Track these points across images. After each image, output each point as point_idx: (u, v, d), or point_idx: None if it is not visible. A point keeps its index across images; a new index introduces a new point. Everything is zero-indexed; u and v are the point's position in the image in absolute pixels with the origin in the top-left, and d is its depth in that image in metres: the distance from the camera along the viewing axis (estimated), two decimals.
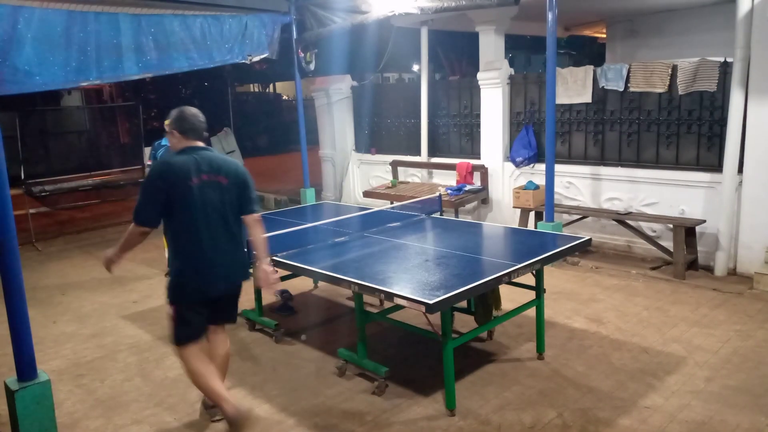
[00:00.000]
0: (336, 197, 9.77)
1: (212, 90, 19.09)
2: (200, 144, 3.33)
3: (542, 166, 6.31)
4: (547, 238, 4.54)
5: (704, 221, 5.87)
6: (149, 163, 6.43)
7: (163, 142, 6.14)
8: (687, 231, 5.77)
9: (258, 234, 3.33)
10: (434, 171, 8.39)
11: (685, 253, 5.77)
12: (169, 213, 3.17)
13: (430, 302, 2.99)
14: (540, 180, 6.51)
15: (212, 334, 3.46)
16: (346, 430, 3.43)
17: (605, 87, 6.53)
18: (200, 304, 3.28)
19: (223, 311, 3.44)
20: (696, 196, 6.02)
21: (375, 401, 3.72)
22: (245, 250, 3.44)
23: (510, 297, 4.52)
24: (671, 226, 5.84)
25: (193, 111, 3.35)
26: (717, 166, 5.83)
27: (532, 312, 4.18)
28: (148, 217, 3.16)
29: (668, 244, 6.00)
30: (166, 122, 6.09)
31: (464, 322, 4.55)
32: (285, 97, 24.03)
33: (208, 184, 3.20)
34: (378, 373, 3.83)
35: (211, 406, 3.55)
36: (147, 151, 10.42)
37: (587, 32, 11.81)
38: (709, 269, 5.89)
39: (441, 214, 5.39)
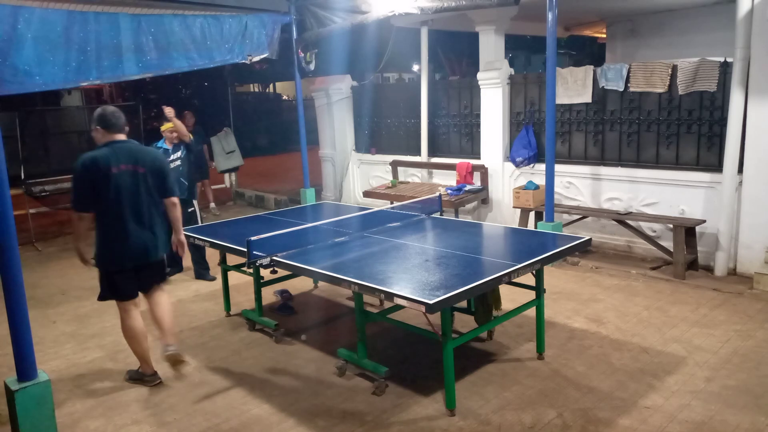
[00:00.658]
0: (336, 197, 9.77)
1: (212, 90, 19.06)
2: (122, 137, 3.89)
3: (542, 166, 6.31)
4: (547, 238, 4.54)
5: (704, 221, 5.87)
6: None
7: (159, 143, 6.16)
8: (687, 231, 5.77)
9: (173, 213, 4.10)
10: (434, 171, 8.39)
11: (685, 253, 5.77)
12: (95, 197, 3.76)
13: (430, 302, 2.99)
14: (540, 180, 6.51)
15: (149, 297, 4.08)
16: (346, 430, 3.43)
17: (605, 87, 6.53)
18: (123, 271, 3.90)
19: (147, 279, 4.04)
20: (696, 196, 6.02)
21: (375, 401, 3.72)
22: (161, 229, 4.04)
23: (510, 297, 4.52)
24: (671, 226, 5.84)
25: (112, 109, 3.92)
26: (717, 166, 5.83)
27: (532, 312, 4.18)
28: (83, 204, 3.79)
29: (668, 244, 6.00)
30: (163, 127, 6.11)
31: (464, 322, 4.55)
32: (285, 97, 24.01)
33: (126, 173, 3.79)
34: (378, 373, 3.83)
35: (167, 345, 3.98)
36: None
37: (587, 32, 11.81)
38: (709, 269, 5.89)
39: (441, 214, 5.39)
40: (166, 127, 6.14)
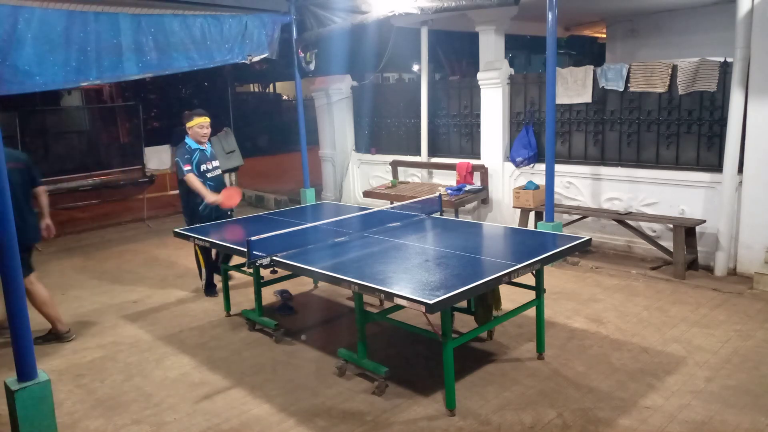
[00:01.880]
0: (336, 197, 9.77)
1: (212, 90, 19.07)
2: None
3: (542, 166, 6.31)
4: (547, 238, 4.54)
5: (704, 221, 5.87)
6: (183, 176, 5.47)
7: (192, 145, 5.61)
8: (687, 231, 5.77)
9: (44, 200, 4.97)
10: (434, 171, 8.39)
11: (685, 253, 5.77)
12: None
13: (430, 302, 2.99)
14: (540, 180, 6.51)
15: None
16: (346, 430, 3.43)
17: (605, 87, 6.53)
18: (29, 249, 4.77)
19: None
20: (696, 196, 6.02)
21: (375, 401, 3.72)
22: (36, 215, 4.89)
23: (510, 297, 4.52)
24: (671, 226, 5.84)
25: None
26: (717, 166, 5.83)
27: (532, 312, 4.18)
28: None
29: (668, 244, 6.00)
30: (191, 123, 5.85)
31: (464, 322, 4.55)
32: (285, 97, 23.99)
33: (15, 170, 4.44)
34: (378, 373, 3.83)
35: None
36: (147, 151, 10.42)
37: (587, 32, 11.81)
38: (709, 269, 5.89)
39: (441, 214, 5.39)
40: (195, 122, 5.57)
